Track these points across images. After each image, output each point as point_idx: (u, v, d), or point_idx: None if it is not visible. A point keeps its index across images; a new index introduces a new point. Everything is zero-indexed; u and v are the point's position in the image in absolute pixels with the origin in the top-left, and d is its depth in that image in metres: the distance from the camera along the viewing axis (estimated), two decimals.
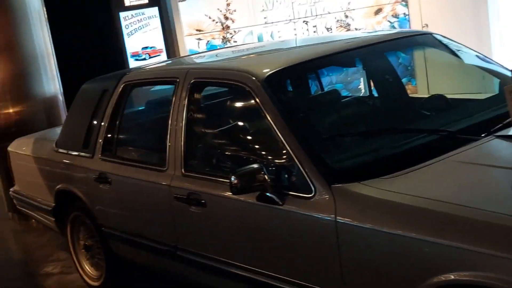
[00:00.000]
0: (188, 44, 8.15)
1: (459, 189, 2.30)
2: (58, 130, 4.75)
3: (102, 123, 3.67)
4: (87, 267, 4.14)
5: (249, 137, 2.98)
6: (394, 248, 2.19)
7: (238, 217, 2.79)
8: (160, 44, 8.50)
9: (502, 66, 3.37)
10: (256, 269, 2.73)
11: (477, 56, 3.46)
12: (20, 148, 4.63)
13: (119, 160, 3.54)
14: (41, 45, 5.80)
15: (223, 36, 8.07)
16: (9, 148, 4.75)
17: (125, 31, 8.58)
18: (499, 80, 3.30)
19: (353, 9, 7.37)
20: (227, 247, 2.88)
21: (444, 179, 2.40)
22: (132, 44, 8.50)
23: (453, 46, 3.46)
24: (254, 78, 2.80)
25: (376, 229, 2.23)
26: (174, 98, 3.19)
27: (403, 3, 7.14)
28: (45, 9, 6.02)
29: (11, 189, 4.87)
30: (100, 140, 3.67)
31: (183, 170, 3.06)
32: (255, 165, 2.59)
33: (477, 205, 2.11)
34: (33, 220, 5.83)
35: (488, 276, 1.93)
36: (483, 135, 2.65)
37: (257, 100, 2.74)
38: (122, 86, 3.62)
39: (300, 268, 2.55)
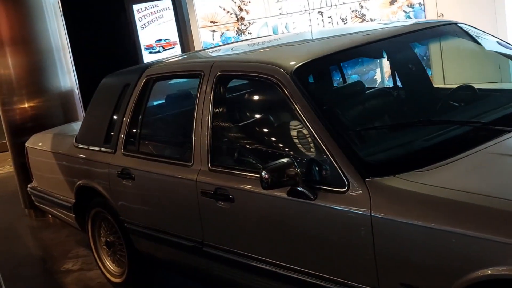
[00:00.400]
0: (203, 36, 8.09)
1: (496, 181, 2.26)
2: (76, 125, 4.74)
3: (124, 118, 3.63)
4: (108, 264, 4.11)
5: (277, 131, 2.93)
6: (431, 243, 2.14)
7: (268, 213, 2.74)
8: (174, 36, 8.45)
9: None
10: (286, 265, 2.69)
11: (502, 45, 3.39)
12: (38, 143, 4.60)
13: (142, 156, 3.50)
14: (56, 38, 5.74)
15: (238, 28, 8.00)
16: (27, 144, 4.72)
17: (138, 24, 8.54)
18: None
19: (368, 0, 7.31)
20: (256, 242, 2.84)
21: (480, 171, 2.35)
22: (145, 36, 8.46)
23: (478, 35, 3.39)
24: (282, 70, 2.74)
25: (413, 223, 2.18)
26: (199, 92, 3.14)
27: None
28: (60, 3, 5.97)
29: (29, 186, 4.84)
30: (122, 135, 3.63)
31: (209, 165, 3.02)
32: (286, 160, 2.54)
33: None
34: (50, 217, 5.83)
35: None
36: None
37: (286, 92, 2.69)
38: (144, 80, 3.57)
39: (333, 263, 2.51)
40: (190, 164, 3.12)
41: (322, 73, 3.33)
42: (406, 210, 2.23)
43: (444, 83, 4.08)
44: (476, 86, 3.18)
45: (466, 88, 3.22)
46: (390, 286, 2.30)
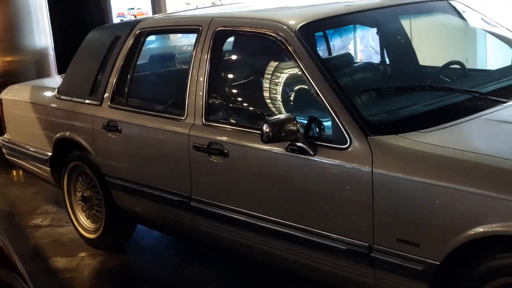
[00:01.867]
0: (176, 8, 8.03)
1: (493, 142, 2.37)
2: (55, 79, 4.63)
3: (113, 70, 3.57)
4: (82, 219, 4.05)
5: (276, 88, 2.94)
6: (430, 199, 2.20)
7: (265, 168, 2.75)
8: (146, 6, 8.35)
9: None
10: (279, 220, 2.71)
11: (489, 23, 3.49)
12: (15, 95, 4.47)
13: (130, 109, 3.46)
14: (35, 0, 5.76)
15: (212, 3, 7.98)
16: (1, 95, 4.58)
17: None
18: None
19: None
20: (249, 198, 2.85)
21: (478, 134, 2.45)
22: (118, 4, 8.33)
23: (467, 12, 3.48)
24: (286, 27, 2.76)
25: (413, 180, 2.24)
26: (196, 46, 3.12)
27: None
28: None
29: (0, 137, 4.70)
30: (111, 88, 3.57)
31: (203, 119, 3.01)
32: (287, 114, 2.57)
33: (510, 157, 2.15)
34: (14, 173, 5.70)
35: None
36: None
37: (290, 49, 2.70)
38: (137, 32, 3.52)
39: (328, 219, 2.54)
40: (183, 118, 3.10)
41: (325, 34, 3.36)
42: (407, 167, 2.29)
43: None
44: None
45: (457, 63, 3.31)
46: (386, 242, 2.35)
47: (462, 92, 2.73)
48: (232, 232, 2.98)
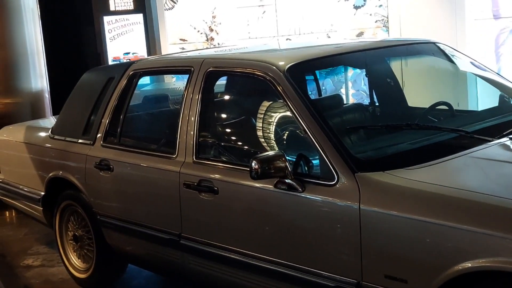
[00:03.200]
0: (171, 52, 8.15)
1: (479, 179, 2.41)
2: (49, 120, 4.68)
3: (106, 110, 3.63)
4: (73, 259, 4.03)
5: (265, 125, 2.99)
6: (417, 236, 2.22)
7: (254, 205, 2.78)
8: (142, 50, 8.47)
9: (505, 78, 3.49)
10: (268, 258, 2.72)
11: (480, 67, 3.58)
12: (10, 135, 4.51)
13: (122, 147, 3.50)
14: (32, 42, 5.99)
15: (207, 47, 8.10)
16: None
17: (107, 35, 8.53)
18: (499, 92, 3.41)
19: (336, 31, 7.53)
20: (239, 235, 2.86)
21: (464, 171, 2.49)
22: (114, 48, 8.44)
23: (455, 56, 3.57)
24: (275, 68, 2.83)
25: (400, 216, 2.26)
26: (188, 86, 3.18)
27: (384, 28, 7.33)
28: (39, 7, 6.06)
29: None
30: (103, 128, 3.61)
31: (194, 157, 3.05)
32: (276, 151, 2.62)
33: (497, 193, 2.19)
34: (7, 214, 5.70)
35: (509, 261, 1.97)
36: (497, 137, 2.74)
37: (279, 89, 2.77)
38: (130, 73, 3.59)
39: (317, 256, 2.55)
40: (174, 156, 3.14)
41: (313, 74, 3.44)
42: (393, 203, 2.31)
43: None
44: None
45: (443, 105, 3.38)
46: (374, 279, 2.36)
47: (448, 130, 2.78)
48: (222, 271, 2.97)
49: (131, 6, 8.54)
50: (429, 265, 2.19)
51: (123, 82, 3.61)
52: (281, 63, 2.86)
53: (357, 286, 2.39)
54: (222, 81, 3.40)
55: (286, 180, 2.58)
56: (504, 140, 2.73)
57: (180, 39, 8.20)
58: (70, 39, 8.67)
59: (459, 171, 2.48)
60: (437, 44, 3.58)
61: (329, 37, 7.44)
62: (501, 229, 2.03)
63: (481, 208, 2.14)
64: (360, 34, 7.42)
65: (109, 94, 3.65)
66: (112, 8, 8.55)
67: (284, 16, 7.64)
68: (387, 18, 7.23)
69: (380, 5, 7.18)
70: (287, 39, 7.58)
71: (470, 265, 2.07)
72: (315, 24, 7.47)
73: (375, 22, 7.25)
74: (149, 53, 8.49)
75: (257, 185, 2.70)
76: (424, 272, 2.20)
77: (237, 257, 2.85)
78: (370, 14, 7.24)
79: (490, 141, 2.70)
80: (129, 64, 3.71)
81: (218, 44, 7.91)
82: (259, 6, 7.69)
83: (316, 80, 3.84)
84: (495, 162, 2.54)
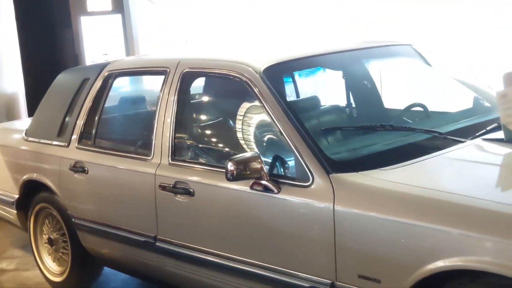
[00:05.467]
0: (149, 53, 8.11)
1: (451, 180, 2.43)
2: (25, 121, 4.62)
3: (81, 112, 3.59)
4: (48, 262, 3.99)
5: (241, 127, 2.98)
6: (390, 236, 2.23)
7: (229, 206, 2.77)
8: (121, 51, 8.42)
9: (480, 80, 3.53)
10: (243, 259, 2.71)
11: (453, 69, 3.61)
12: None
13: (98, 149, 3.46)
14: (6, 43, 5.81)
15: (186, 48, 8.09)
16: None
17: (85, 36, 8.48)
18: (474, 94, 3.45)
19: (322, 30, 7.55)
20: (216, 237, 2.85)
21: (437, 171, 2.51)
22: (92, 49, 8.39)
23: (431, 58, 3.60)
24: (251, 69, 2.82)
25: (374, 216, 2.27)
26: (163, 87, 3.16)
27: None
28: (14, 8, 5.99)
29: None
30: (78, 129, 3.58)
31: (170, 159, 3.03)
32: (252, 153, 2.61)
33: (469, 194, 2.20)
34: None
35: (479, 260, 1.99)
36: (470, 138, 2.77)
37: (255, 90, 2.76)
38: (105, 74, 3.56)
39: (292, 257, 2.55)
40: (150, 158, 3.12)
41: (288, 76, 3.44)
42: (367, 204, 2.32)
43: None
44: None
45: (419, 106, 3.41)
46: (348, 279, 2.36)
47: (422, 131, 2.80)
48: (198, 273, 2.96)
49: (109, 7, 8.49)
50: (402, 264, 2.20)
51: (98, 83, 3.58)
52: (257, 64, 2.86)
53: (331, 287, 2.39)
54: (201, 83, 3.38)
55: (262, 182, 2.58)
56: (477, 141, 2.76)
57: (160, 40, 8.17)
58: (47, 40, 8.59)
59: (433, 171, 2.50)
60: (414, 46, 3.61)
61: (313, 37, 7.46)
62: (473, 229, 2.05)
63: (453, 208, 2.15)
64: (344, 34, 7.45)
65: (84, 95, 3.62)
66: (89, 9, 8.50)
67: (271, 13, 7.63)
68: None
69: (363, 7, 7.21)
70: (268, 39, 7.59)
71: (442, 264, 2.08)
72: (303, 22, 7.48)
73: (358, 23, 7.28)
74: (127, 54, 8.45)
75: (233, 186, 2.70)
76: (397, 272, 2.21)
77: (213, 259, 2.84)
78: (353, 15, 7.28)
79: (463, 142, 2.72)
80: (104, 65, 3.68)
81: (199, 44, 7.91)
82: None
83: (294, 81, 3.85)
84: (468, 163, 2.56)
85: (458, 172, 2.50)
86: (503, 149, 2.68)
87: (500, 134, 2.73)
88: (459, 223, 2.09)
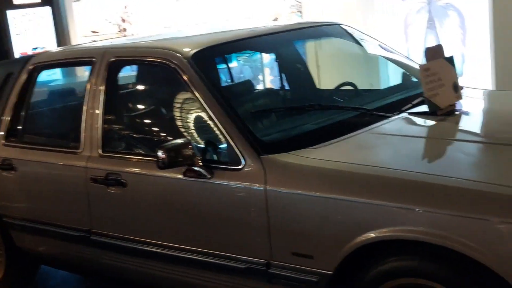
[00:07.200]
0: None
1: (378, 154, 2.49)
2: None
3: (7, 107, 3.47)
4: None
5: (173, 115, 2.96)
6: (321, 212, 2.26)
7: (163, 195, 2.74)
8: (52, 44, 8.19)
9: (407, 57, 3.61)
10: (180, 246, 2.70)
11: (382, 47, 3.68)
12: None
13: (26, 145, 3.36)
14: None
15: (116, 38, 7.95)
16: None
17: (13, 31, 8.18)
18: (402, 70, 3.52)
19: (249, 18, 7.56)
20: (151, 226, 2.82)
21: (364, 147, 2.56)
22: (21, 44, 8.11)
23: (360, 36, 3.65)
24: (179, 55, 2.79)
25: (305, 194, 2.30)
26: (91, 78, 3.10)
27: (298, 13, 7.41)
28: None
29: None
30: (4, 125, 3.46)
31: (100, 150, 2.97)
32: (183, 140, 2.59)
33: (394, 167, 2.27)
34: None
35: (406, 229, 2.05)
36: (396, 112, 2.83)
37: (184, 77, 2.74)
38: (30, 67, 3.45)
39: (227, 240, 2.56)
40: (79, 150, 3.06)
41: (218, 60, 3.42)
42: (297, 183, 2.35)
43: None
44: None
45: (348, 85, 3.46)
46: (282, 257, 2.39)
47: (350, 109, 2.85)
48: (136, 263, 2.93)
49: None
50: (333, 239, 2.23)
51: (23, 77, 3.46)
52: (185, 49, 2.83)
53: (266, 266, 2.42)
54: (132, 73, 3.33)
55: (195, 168, 2.56)
56: (403, 115, 2.82)
57: (92, 31, 7.99)
58: None
59: (360, 147, 2.54)
60: (342, 26, 3.64)
61: (242, 23, 7.46)
62: (402, 200, 2.09)
63: (381, 181, 2.20)
64: (275, 19, 7.48)
65: (9, 90, 3.50)
66: (16, 1, 8.21)
67: (199, 4, 7.58)
68: (301, 3, 7.31)
69: None
70: (195, 26, 7.54)
71: (373, 235, 2.12)
72: (231, 11, 7.46)
73: (290, 7, 7.32)
74: (59, 47, 8.24)
75: (166, 175, 2.67)
76: (329, 246, 2.25)
77: (150, 249, 2.81)
78: (285, 0, 7.32)
79: (390, 117, 2.78)
80: (28, 58, 3.56)
81: (132, 34, 7.77)
82: None
83: (227, 66, 3.83)
84: (394, 137, 2.62)
85: (385, 146, 2.56)
86: (428, 122, 2.75)
87: (425, 108, 2.80)
88: (388, 195, 2.14)
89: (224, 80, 3.58)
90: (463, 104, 2.93)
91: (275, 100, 3.50)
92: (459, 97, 2.90)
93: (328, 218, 2.24)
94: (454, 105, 2.84)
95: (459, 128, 2.79)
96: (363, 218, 2.16)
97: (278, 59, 3.68)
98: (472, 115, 2.93)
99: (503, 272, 1.90)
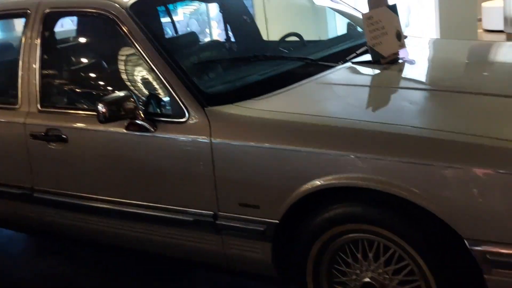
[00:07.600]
0: None
1: (322, 103, 2.48)
2: None
3: None
4: None
5: (114, 68, 2.87)
6: (266, 162, 2.25)
7: (106, 149, 2.68)
8: None
9: (354, 8, 3.59)
10: (124, 201, 2.67)
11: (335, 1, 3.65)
12: None
13: None
14: None
15: None
16: None
17: None
18: (347, 20, 3.51)
19: None
20: (94, 182, 2.77)
21: (308, 97, 2.55)
22: None
23: None
24: (117, 5, 2.70)
25: (250, 145, 2.28)
26: (25, 32, 2.96)
27: None
28: None
29: None
30: None
31: (39, 105, 2.88)
32: (123, 93, 2.52)
33: (338, 115, 2.28)
34: None
35: (351, 176, 2.06)
36: (340, 62, 2.83)
37: (123, 28, 2.65)
38: None
39: (173, 193, 2.53)
40: (17, 106, 2.95)
41: (157, 11, 3.32)
42: (243, 134, 2.33)
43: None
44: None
45: (293, 36, 3.43)
46: (230, 208, 2.38)
47: (294, 59, 2.83)
48: (80, 219, 2.88)
49: None
50: (279, 188, 2.24)
51: None
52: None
53: (213, 217, 2.41)
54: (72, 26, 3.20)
55: (137, 121, 2.51)
56: (347, 64, 2.82)
57: None
58: None
59: (304, 97, 2.53)
60: None
61: None
62: (345, 148, 2.10)
63: (325, 130, 2.20)
64: None
65: None
66: None
67: None
68: None
69: None
70: None
71: (318, 183, 2.12)
72: None
73: None
74: None
75: (107, 129, 2.61)
76: (274, 196, 2.25)
77: (95, 204, 2.77)
78: None
79: (333, 66, 2.78)
80: None
81: None
82: None
83: (171, 18, 3.73)
84: (338, 86, 2.63)
85: (328, 96, 2.56)
86: (371, 71, 2.77)
87: (368, 57, 2.80)
88: (331, 143, 2.14)
89: (168, 32, 3.49)
90: (407, 52, 2.95)
91: (220, 52, 3.45)
92: (403, 45, 2.91)
93: (273, 168, 2.24)
94: (397, 53, 2.86)
95: (402, 76, 2.81)
96: (307, 167, 2.16)
97: (223, 10, 3.61)
98: (416, 63, 2.95)
99: (446, 217, 1.93)
